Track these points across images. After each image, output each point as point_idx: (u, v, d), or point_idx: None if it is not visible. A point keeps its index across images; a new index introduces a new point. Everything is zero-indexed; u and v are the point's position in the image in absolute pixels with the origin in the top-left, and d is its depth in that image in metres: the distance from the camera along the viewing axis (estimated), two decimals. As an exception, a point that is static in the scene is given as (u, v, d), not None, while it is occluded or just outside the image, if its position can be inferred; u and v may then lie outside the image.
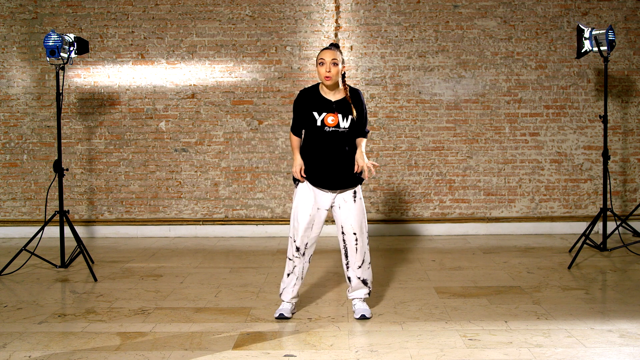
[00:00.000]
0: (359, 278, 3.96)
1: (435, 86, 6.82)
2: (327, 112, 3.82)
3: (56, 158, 5.54)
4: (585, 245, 5.83)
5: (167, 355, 3.37)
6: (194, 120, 6.86)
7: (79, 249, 5.30)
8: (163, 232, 6.87)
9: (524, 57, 6.81)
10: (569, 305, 4.19)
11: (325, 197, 3.91)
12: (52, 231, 6.47)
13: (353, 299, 4.04)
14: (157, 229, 6.88)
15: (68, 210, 5.45)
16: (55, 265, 5.35)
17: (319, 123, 3.82)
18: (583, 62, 6.79)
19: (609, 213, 5.88)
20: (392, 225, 6.85)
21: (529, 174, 6.86)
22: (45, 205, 5.75)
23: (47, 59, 5.18)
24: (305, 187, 3.90)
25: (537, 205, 6.87)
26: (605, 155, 5.57)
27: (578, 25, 5.63)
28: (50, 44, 5.08)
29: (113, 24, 6.81)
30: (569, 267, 5.25)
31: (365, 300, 4.06)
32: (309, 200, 3.88)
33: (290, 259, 3.96)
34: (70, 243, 6.02)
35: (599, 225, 6.47)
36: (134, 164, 6.88)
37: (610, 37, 5.36)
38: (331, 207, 3.94)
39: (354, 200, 3.89)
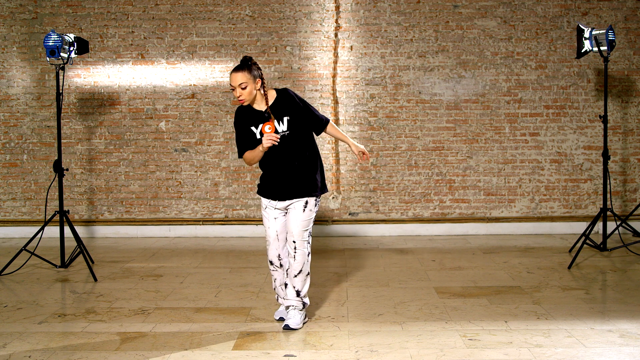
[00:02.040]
0: (294, 287, 3.86)
1: (435, 86, 6.81)
2: (262, 123, 3.77)
3: (56, 158, 5.54)
4: (585, 245, 5.83)
5: (167, 355, 3.37)
6: (194, 120, 6.86)
7: (79, 249, 5.30)
8: (163, 232, 6.87)
9: (524, 57, 6.81)
10: (569, 305, 4.19)
11: (281, 205, 3.87)
12: (52, 231, 6.47)
13: (287, 306, 3.89)
14: (157, 229, 6.88)
15: (68, 210, 5.45)
16: (55, 265, 5.35)
17: (258, 136, 3.80)
18: (583, 62, 6.79)
19: (609, 213, 5.87)
20: (393, 225, 6.85)
21: (529, 174, 6.86)
22: (45, 205, 5.75)
23: (47, 59, 5.18)
24: (266, 201, 3.90)
25: (537, 205, 6.87)
26: (605, 155, 5.57)
27: (578, 25, 5.63)
28: (50, 44, 5.08)
29: (113, 24, 6.81)
30: (569, 267, 5.25)
31: (301, 310, 3.87)
32: (271, 214, 3.88)
33: (271, 273, 4.00)
34: (70, 243, 6.02)
35: (599, 225, 6.46)
36: (134, 164, 6.88)
37: (610, 37, 5.36)
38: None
39: (303, 210, 3.81)
